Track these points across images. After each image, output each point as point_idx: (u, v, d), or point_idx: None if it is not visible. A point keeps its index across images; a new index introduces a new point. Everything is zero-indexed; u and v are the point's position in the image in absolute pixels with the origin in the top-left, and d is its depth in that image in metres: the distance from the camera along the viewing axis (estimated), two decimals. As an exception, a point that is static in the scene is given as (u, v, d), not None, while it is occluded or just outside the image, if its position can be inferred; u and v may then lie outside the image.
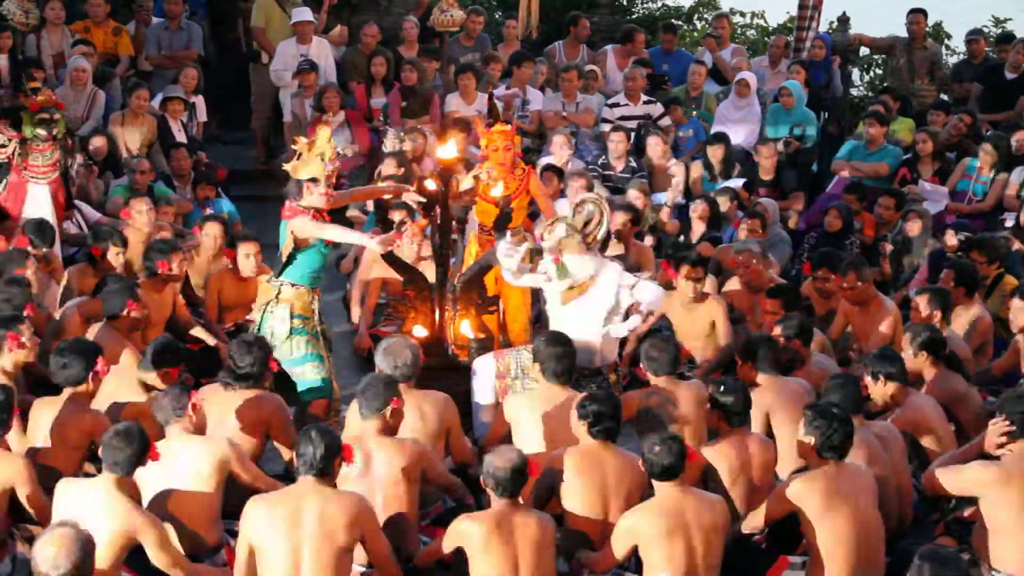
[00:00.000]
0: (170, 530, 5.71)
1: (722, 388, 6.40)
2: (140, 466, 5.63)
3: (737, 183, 11.43)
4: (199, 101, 12.38)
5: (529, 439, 6.44)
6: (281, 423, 6.72)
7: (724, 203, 10.79)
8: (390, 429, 6.18)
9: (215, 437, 6.14)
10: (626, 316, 7.29)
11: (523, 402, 6.72)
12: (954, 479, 5.94)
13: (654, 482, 5.77)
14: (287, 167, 7.34)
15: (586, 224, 7.26)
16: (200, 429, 6.14)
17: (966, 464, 5.98)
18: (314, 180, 7.20)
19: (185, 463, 5.93)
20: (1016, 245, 9.67)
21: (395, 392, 6.19)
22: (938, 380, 7.15)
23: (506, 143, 8.28)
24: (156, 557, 5.59)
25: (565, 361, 6.73)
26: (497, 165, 8.26)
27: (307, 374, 7.39)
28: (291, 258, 7.38)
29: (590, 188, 10.14)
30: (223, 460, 6.00)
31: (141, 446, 5.62)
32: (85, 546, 4.71)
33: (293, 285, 7.40)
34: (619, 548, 5.73)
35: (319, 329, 7.54)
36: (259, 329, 7.46)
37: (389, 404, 6.14)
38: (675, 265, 8.87)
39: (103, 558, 5.01)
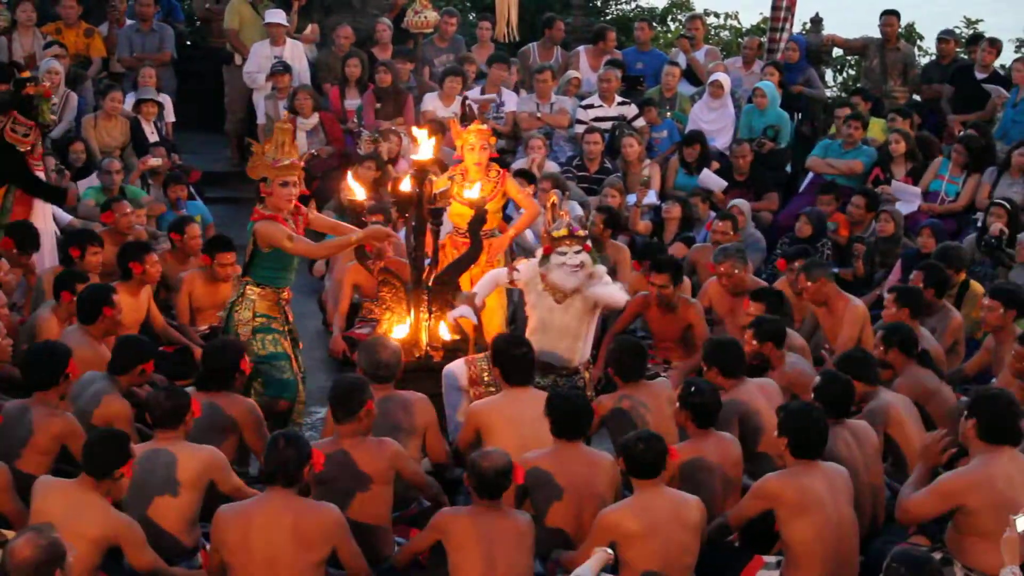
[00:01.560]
0: (149, 532, 5.70)
1: (693, 389, 6.42)
2: (118, 471, 5.60)
3: (717, 183, 11.46)
4: (167, 101, 12.34)
5: (499, 443, 6.41)
6: (253, 426, 6.71)
7: (697, 204, 10.83)
8: (364, 430, 6.18)
9: (204, 446, 6.11)
10: None
11: (489, 407, 6.70)
12: (936, 499, 5.81)
13: (634, 480, 5.79)
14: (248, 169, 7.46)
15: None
16: (187, 435, 6.13)
17: (940, 481, 5.91)
18: (264, 180, 7.33)
19: (172, 468, 5.92)
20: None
21: (368, 394, 6.19)
22: (909, 376, 7.20)
23: (482, 142, 8.28)
24: (133, 560, 5.60)
25: (525, 363, 6.75)
26: (472, 165, 8.26)
27: (272, 373, 7.42)
28: (253, 258, 7.42)
29: (560, 187, 10.16)
30: (209, 468, 6.00)
31: (123, 455, 5.61)
32: (52, 550, 4.67)
33: (258, 285, 7.46)
34: (598, 543, 5.73)
35: (287, 328, 7.58)
36: (225, 328, 7.51)
37: (363, 406, 6.15)
38: (648, 267, 8.91)
39: (80, 560, 4.99)
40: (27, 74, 9.13)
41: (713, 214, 10.72)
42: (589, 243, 7.39)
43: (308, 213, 7.70)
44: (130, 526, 5.58)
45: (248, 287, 7.49)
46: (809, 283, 8.32)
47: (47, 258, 8.94)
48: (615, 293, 7.40)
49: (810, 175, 11.91)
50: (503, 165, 11.44)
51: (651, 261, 8.70)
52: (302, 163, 7.60)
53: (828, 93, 14.41)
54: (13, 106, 8.87)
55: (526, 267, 7.49)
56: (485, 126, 8.53)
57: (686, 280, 9.11)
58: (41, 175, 9.35)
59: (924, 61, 14.55)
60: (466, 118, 8.46)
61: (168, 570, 5.71)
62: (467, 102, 8.92)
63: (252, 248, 7.44)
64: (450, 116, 11.74)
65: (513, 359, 6.73)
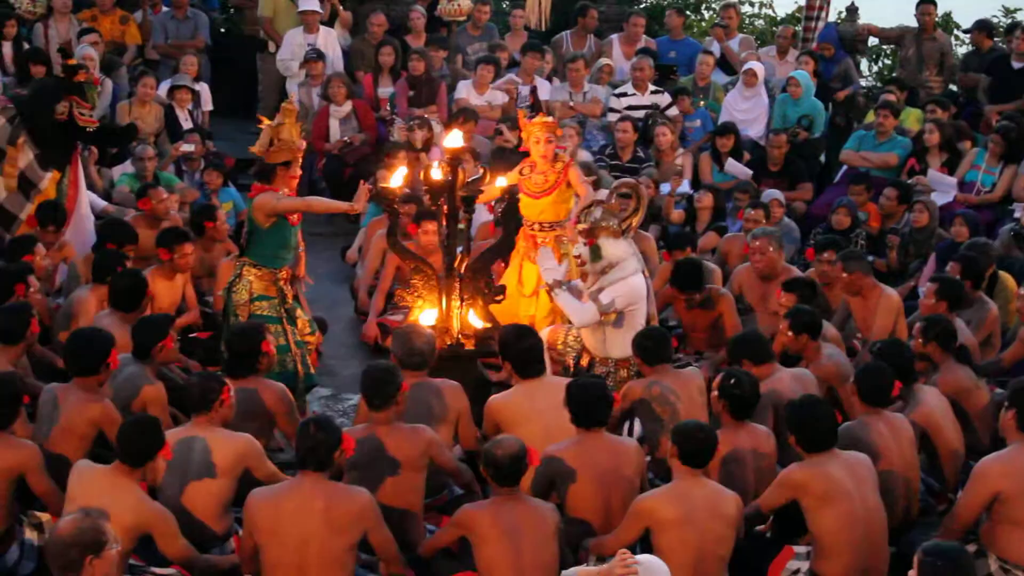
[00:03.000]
0: (182, 518, 5.74)
1: (732, 380, 6.41)
2: (152, 459, 5.64)
3: (745, 171, 11.42)
4: (204, 89, 12.39)
5: (523, 437, 6.38)
6: (285, 411, 6.75)
7: (742, 198, 10.74)
8: (398, 416, 6.20)
9: (239, 433, 6.13)
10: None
11: (505, 402, 6.68)
12: (978, 487, 5.87)
13: (677, 466, 5.77)
14: (254, 149, 7.55)
15: (623, 209, 7.34)
16: (225, 421, 6.16)
17: (978, 467, 5.95)
18: (286, 164, 7.47)
19: (207, 454, 5.95)
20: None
21: (400, 378, 6.22)
22: (947, 372, 7.17)
23: (547, 135, 8.35)
24: (165, 549, 5.64)
25: (533, 354, 6.73)
26: (539, 158, 8.33)
27: (279, 364, 7.43)
28: (252, 237, 7.52)
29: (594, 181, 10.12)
30: (245, 455, 6.03)
31: (156, 440, 5.64)
32: (92, 534, 4.69)
33: (255, 265, 7.56)
34: (632, 529, 5.75)
35: (286, 308, 7.65)
36: (224, 309, 7.62)
37: (397, 392, 6.16)
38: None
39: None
40: (74, 61, 9.24)
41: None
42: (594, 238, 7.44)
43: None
44: (163, 515, 5.62)
45: (245, 267, 7.58)
46: (845, 274, 8.27)
47: (85, 242, 8.99)
48: (573, 310, 7.44)
49: (845, 165, 11.85)
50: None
51: (672, 281, 8.52)
52: (305, 144, 7.78)
53: (863, 83, 14.29)
54: (70, 92, 9.00)
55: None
56: (550, 119, 8.64)
57: (716, 268, 9.08)
58: (93, 168, 9.54)
59: (961, 51, 14.44)
60: (534, 107, 8.51)
61: (200, 557, 5.75)
62: (536, 93, 8.96)
63: (250, 227, 7.54)
64: (483, 104, 11.79)
65: (520, 351, 6.71)
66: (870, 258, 9.35)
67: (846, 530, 5.77)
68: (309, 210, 7.89)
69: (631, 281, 7.48)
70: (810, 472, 5.86)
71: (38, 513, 6.06)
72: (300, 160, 7.63)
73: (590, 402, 6.14)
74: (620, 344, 7.45)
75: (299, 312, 7.88)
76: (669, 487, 5.78)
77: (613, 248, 7.42)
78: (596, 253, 7.43)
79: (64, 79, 9.06)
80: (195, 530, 5.83)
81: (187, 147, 11.16)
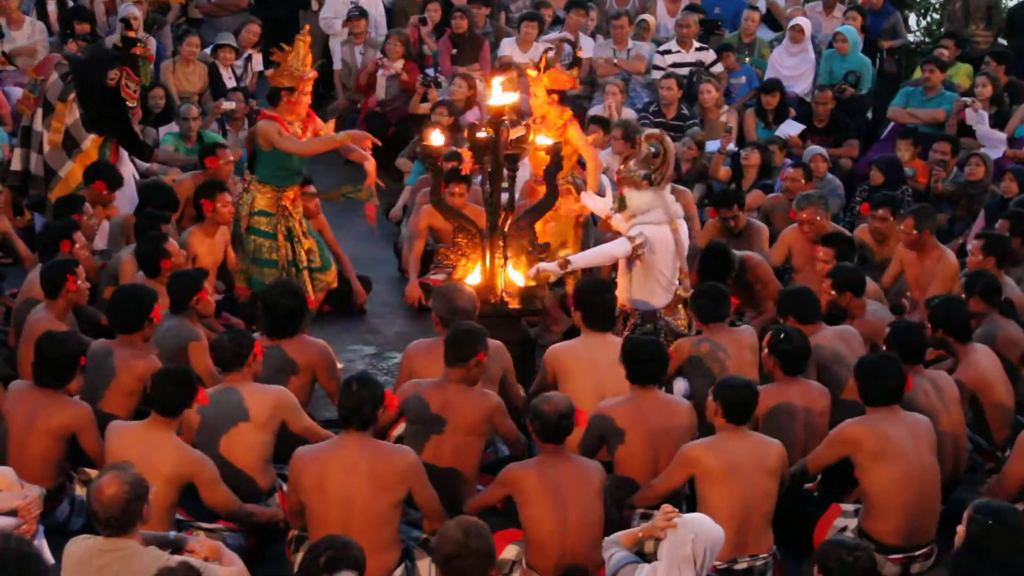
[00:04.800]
0: (223, 472, 5.78)
1: (783, 336, 6.40)
2: (187, 408, 5.69)
3: (796, 127, 11.31)
4: (255, 54, 12.35)
5: (575, 389, 6.40)
6: (326, 368, 6.76)
7: (774, 151, 10.66)
8: (470, 380, 6.19)
9: (272, 386, 6.18)
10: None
11: (567, 350, 6.70)
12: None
13: (721, 423, 5.76)
14: (268, 73, 7.66)
15: (653, 160, 7.30)
16: (255, 376, 6.20)
17: None
18: (289, 91, 7.70)
19: (243, 408, 5.98)
20: None
21: (483, 345, 6.19)
22: (990, 325, 7.11)
23: (547, 91, 8.30)
24: (209, 496, 5.69)
25: (606, 309, 6.74)
26: (542, 113, 8.26)
27: (258, 276, 7.83)
28: (256, 157, 7.85)
29: (627, 138, 10.04)
30: (280, 407, 6.06)
31: (189, 389, 5.69)
32: (137, 488, 4.77)
33: (260, 182, 7.86)
34: (678, 475, 5.77)
35: (287, 227, 7.89)
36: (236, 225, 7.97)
37: (474, 356, 6.15)
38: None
39: (157, 498, 5.07)
40: (133, 34, 9.36)
41: (789, 162, 10.56)
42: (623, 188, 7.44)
43: (318, 122, 8.05)
44: (203, 462, 5.68)
45: (252, 183, 7.90)
46: (915, 231, 8.13)
47: (127, 203, 9.03)
48: (607, 247, 7.48)
49: (892, 121, 11.71)
50: (578, 112, 11.42)
51: (701, 271, 8.23)
52: (315, 75, 7.98)
53: (911, 38, 14.11)
54: (125, 62, 9.09)
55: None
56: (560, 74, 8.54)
57: (762, 227, 8.99)
58: (137, 127, 9.60)
59: (1011, 4, 14.21)
60: (546, 66, 8.44)
61: (244, 506, 5.80)
62: (547, 52, 8.91)
63: (253, 148, 7.86)
64: (526, 62, 11.70)
65: (595, 304, 6.72)
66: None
67: (899, 490, 5.74)
68: (310, 152, 7.94)
69: (652, 229, 7.39)
70: (865, 428, 5.84)
71: (88, 470, 6.11)
72: (307, 91, 7.82)
73: (646, 359, 6.13)
74: (644, 296, 7.40)
75: (309, 242, 8.00)
76: (714, 439, 5.78)
77: (636, 199, 7.36)
78: (622, 203, 7.43)
79: (122, 49, 9.20)
80: (239, 483, 5.87)
81: (228, 104, 11.16)
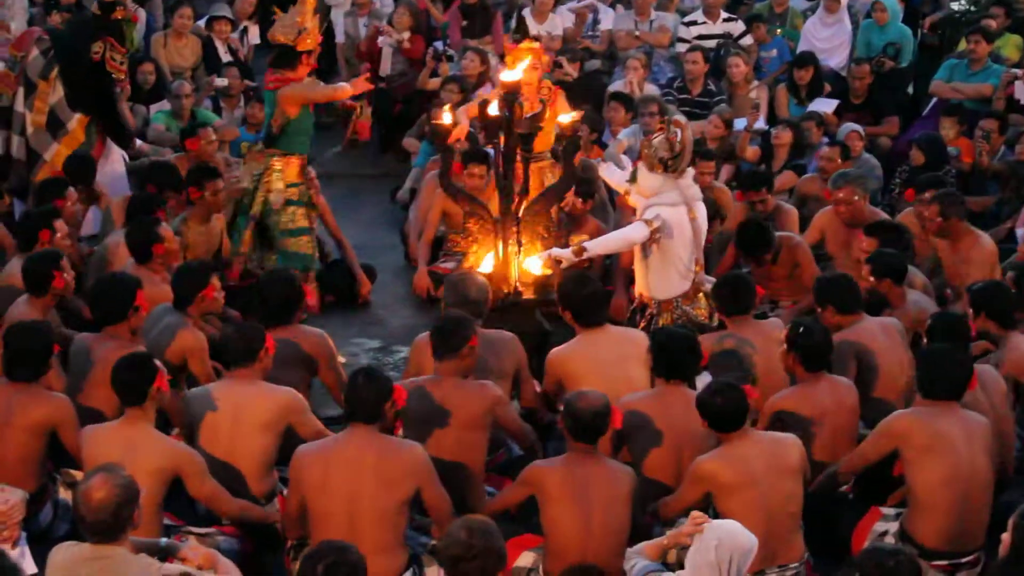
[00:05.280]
0: (223, 476, 5.78)
1: (802, 330, 6.34)
2: (150, 395, 5.68)
3: (830, 104, 11.25)
4: (252, 26, 12.34)
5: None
6: (327, 359, 6.76)
7: (810, 129, 10.61)
8: (465, 370, 6.18)
9: (282, 387, 6.16)
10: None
11: (568, 354, 6.65)
12: None
13: (718, 434, 5.75)
14: (281, 37, 8.21)
15: (670, 148, 7.28)
16: (265, 373, 6.18)
17: None
18: (308, 52, 8.14)
19: (249, 409, 5.98)
20: None
21: (472, 330, 6.19)
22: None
23: (532, 62, 8.33)
24: (195, 490, 5.69)
25: (595, 302, 6.72)
26: (523, 85, 8.21)
27: (301, 247, 8.26)
28: (283, 128, 8.15)
29: (663, 113, 10.03)
30: (288, 410, 6.06)
31: (148, 373, 5.69)
32: (129, 491, 4.76)
33: (284, 155, 8.20)
34: (693, 491, 5.74)
35: (308, 196, 8.42)
36: (251, 202, 8.30)
37: (466, 343, 6.14)
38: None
39: (144, 494, 5.05)
40: None
41: (825, 140, 10.50)
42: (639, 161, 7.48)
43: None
44: (188, 454, 5.69)
45: (273, 159, 8.23)
46: (940, 219, 8.08)
47: (117, 186, 9.02)
48: (623, 231, 7.48)
49: (935, 97, 11.65)
50: (598, 87, 11.38)
51: (738, 244, 8.34)
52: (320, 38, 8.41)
53: (955, 6, 14.00)
54: (108, 31, 8.98)
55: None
56: (537, 44, 8.67)
57: (792, 211, 8.95)
58: (125, 105, 9.61)
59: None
60: (519, 30, 8.46)
61: (233, 501, 5.80)
62: (522, 15, 8.96)
63: (279, 119, 8.14)
64: (542, 34, 11.66)
65: (582, 299, 6.69)
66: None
67: (946, 488, 5.71)
68: (341, 96, 8.69)
69: (666, 210, 7.36)
70: (916, 420, 5.82)
71: (72, 471, 6.11)
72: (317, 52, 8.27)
73: (678, 353, 6.11)
74: (661, 284, 7.38)
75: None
76: (725, 449, 5.73)
77: (646, 179, 7.35)
78: (634, 176, 7.48)
79: (101, 16, 9.04)
80: (238, 488, 5.87)
81: (220, 82, 11.14)
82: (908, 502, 5.85)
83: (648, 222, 7.25)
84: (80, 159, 8.81)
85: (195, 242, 8.19)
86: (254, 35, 12.39)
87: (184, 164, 8.99)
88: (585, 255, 7.44)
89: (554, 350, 6.77)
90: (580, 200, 8.79)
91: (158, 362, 5.81)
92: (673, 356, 6.12)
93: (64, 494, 6.06)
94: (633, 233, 7.37)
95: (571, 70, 10.95)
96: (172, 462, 5.61)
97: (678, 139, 7.27)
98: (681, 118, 7.62)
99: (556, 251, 7.47)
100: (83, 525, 4.77)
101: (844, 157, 9.63)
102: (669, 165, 7.27)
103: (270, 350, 6.17)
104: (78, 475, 5.97)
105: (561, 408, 5.76)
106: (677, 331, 6.42)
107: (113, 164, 9.19)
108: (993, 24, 11.80)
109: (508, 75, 7.62)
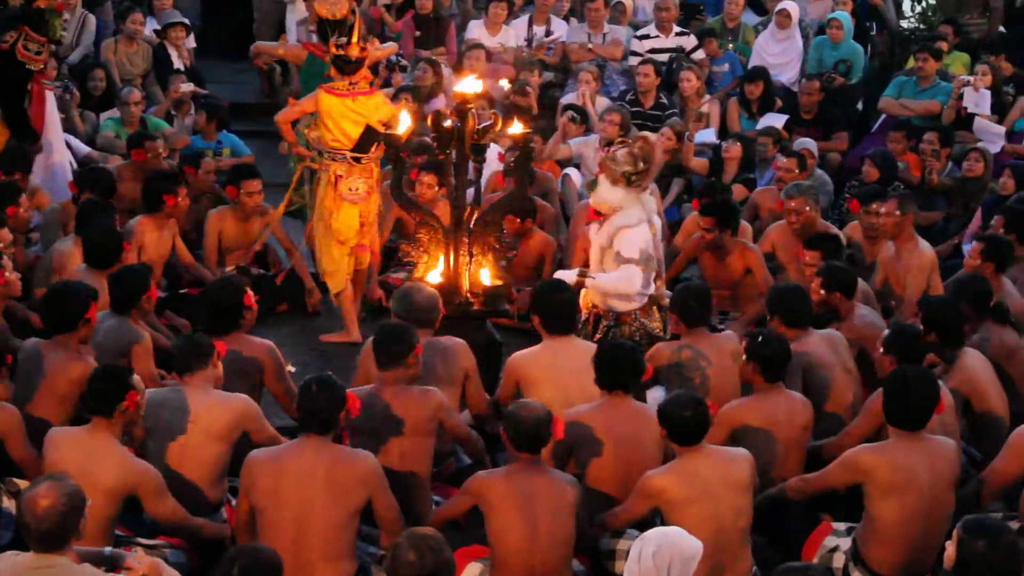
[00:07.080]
0: (173, 485, 5.73)
1: (760, 339, 6.37)
2: (121, 409, 5.61)
3: (779, 119, 11.33)
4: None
5: (541, 397, 6.30)
6: (273, 368, 6.71)
7: (766, 144, 10.64)
8: (411, 379, 6.18)
9: (236, 394, 6.11)
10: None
11: (529, 358, 6.66)
12: (1012, 455, 5.98)
13: (676, 447, 5.76)
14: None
15: (634, 162, 7.28)
16: (218, 382, 6.13)
17: (1015, 435, 6.03)
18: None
19: (201, 417, 5.93)
20: None
21: (415, 339, 6.18)
22: (984, 333, 7.11)
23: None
24: (152, 509, 5.64)
25: (566, 309, 6.73)
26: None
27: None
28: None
29: (624, 125, 10.08)
30: (243, 418, 6.01)
31: (122, 386, 5.62)
32: (74, 500, 4.72)
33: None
34: (641, 505, 5.75)
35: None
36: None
37: (411, 352, 6.13)
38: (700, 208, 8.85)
39: (96, 510, 5.01)
40: None
41: (781, 156, 10.55)
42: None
43: None
44: (148, 473, 5.61)
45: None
46: (898, 212, 8.14)
47: (62, 190, 8.95)
48: (617, 280, 7.33)
49: (883, 115, 11.75)
50: (551, 100, 11.43)
51: (700, 203, 8.56)
52: None
53: (905, 25, 14.16)
54: (24, 21, 8.83)
55: None
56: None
57: (745, 225, 9.01)
58: (53, 97, 9.37)
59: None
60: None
61: (190, 519, 5.74)
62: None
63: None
64: (495, 46, 11.68)
65: (553, 306, 6.70)
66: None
67: (907, 523, 5.68)
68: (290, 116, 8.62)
69: (634, 231, 7.37)
70: (880, 459, 5.73)
71: (16, 480, 6.04)
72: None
73: (619, 364, 6.12)
74: (622, 298, 7.36)
75: None
76: (676, 464, 5.73)
77: (606, 191, 7.32)
78: (593, 184, 7.47)
79: (24, 5, 8.89)
80: (186, 497, 5.80)
81: (186, 87, 11.03)
82: (864, 526, 5.81)
83: (639, 265, 7.25)
84: (11, 152, 8.73)
85: (147, 246, 8.16)
86: (191, 39, 12.31)
87: (127, 172, 8.94)
88: (585, 285, 7.39)
89: (516, 353, 6.78)
90: (519, 219, 8.88)
91: (138, 382, 5.72)
92: (616, 367, 6.12)
93: (8, 503, 5.98)
94: (636, 281, 7.33)
95: (532, 102, 10.96)
96: (129, 480, 5.55)
97: (643, 155, 7.28)
98: (651, 136, 7.63)
99: (560, 273, 7.53)
100: (27, 533, 4.71)
101: (802, 168, 9.69)
102: (632, 180, 7.29)
103: (221, 353, 6.15)
104: (23, 484, 5.91)
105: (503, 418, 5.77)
106: (621, 344, 6.43)
107: (59, 167, 9.08)
108: (944, 43, 11.92)
109: (462, 86, 7.63)
